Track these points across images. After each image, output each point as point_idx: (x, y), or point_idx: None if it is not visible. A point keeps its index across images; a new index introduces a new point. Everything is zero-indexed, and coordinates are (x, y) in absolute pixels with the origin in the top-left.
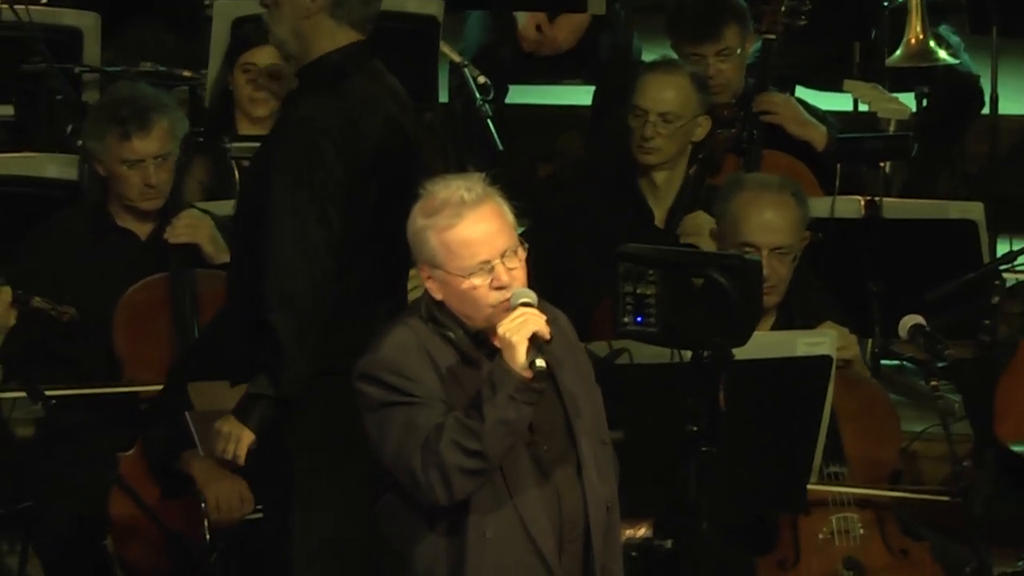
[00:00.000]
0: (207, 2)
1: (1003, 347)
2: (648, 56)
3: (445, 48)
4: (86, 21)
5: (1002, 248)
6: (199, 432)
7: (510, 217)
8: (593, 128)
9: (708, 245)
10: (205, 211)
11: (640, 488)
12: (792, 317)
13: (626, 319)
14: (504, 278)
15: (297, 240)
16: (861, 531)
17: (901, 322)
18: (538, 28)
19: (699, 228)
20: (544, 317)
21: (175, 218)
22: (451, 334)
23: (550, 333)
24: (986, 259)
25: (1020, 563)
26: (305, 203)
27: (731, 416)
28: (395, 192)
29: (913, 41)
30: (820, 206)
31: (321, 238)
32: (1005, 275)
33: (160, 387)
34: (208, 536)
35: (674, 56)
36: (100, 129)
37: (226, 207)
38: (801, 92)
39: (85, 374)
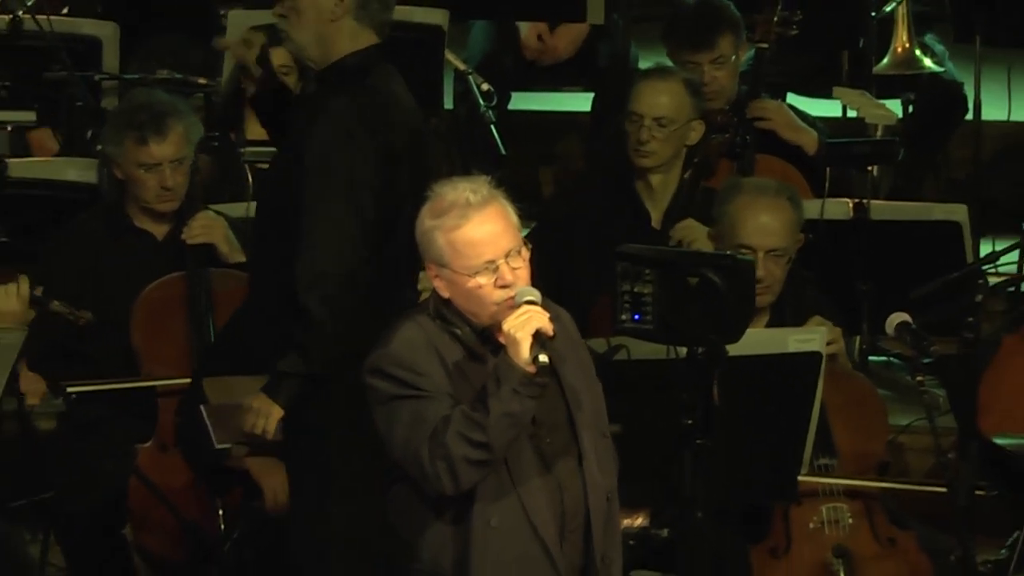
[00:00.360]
0: (223, 12)
1: (986, 344)
2: (645, 64)
3: (450, 56)
4: (105, 31)
5: (985, 249)
6: (214, 425)
7: (514, 218)
8: (592, 133)
9: (704, 247)
10: (219, 213)
11: (637, 479)
12: (785, 315)
13: (624, 316)
14: (508, 277)
15: (333, 225)
16: (850, 520)
17: (888, 320)
18: (539, 38)
19: (689, 234)
20: (547, 314)
21: (191, 219)
22: (458, 331)
23: (553, 330)
24: (970, 259)
25: (1003, 551)
26: (341, 189)
27: (725, 410)
28: (418, 183)
29: (899, 50)
30: (810, 208)
31: (356, 224)
32: (988, 275)
33: (177, 381)
34: (222, 526)
35: (670, 64)
36: (118, 134)
37: (239, 209)
38: (792, 99)
39: (103, 371)
